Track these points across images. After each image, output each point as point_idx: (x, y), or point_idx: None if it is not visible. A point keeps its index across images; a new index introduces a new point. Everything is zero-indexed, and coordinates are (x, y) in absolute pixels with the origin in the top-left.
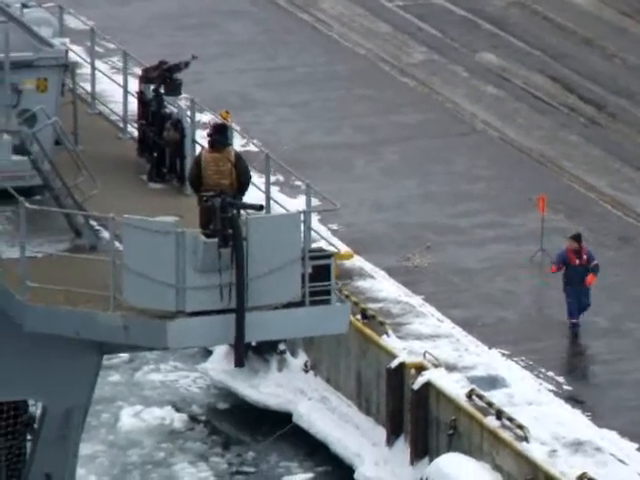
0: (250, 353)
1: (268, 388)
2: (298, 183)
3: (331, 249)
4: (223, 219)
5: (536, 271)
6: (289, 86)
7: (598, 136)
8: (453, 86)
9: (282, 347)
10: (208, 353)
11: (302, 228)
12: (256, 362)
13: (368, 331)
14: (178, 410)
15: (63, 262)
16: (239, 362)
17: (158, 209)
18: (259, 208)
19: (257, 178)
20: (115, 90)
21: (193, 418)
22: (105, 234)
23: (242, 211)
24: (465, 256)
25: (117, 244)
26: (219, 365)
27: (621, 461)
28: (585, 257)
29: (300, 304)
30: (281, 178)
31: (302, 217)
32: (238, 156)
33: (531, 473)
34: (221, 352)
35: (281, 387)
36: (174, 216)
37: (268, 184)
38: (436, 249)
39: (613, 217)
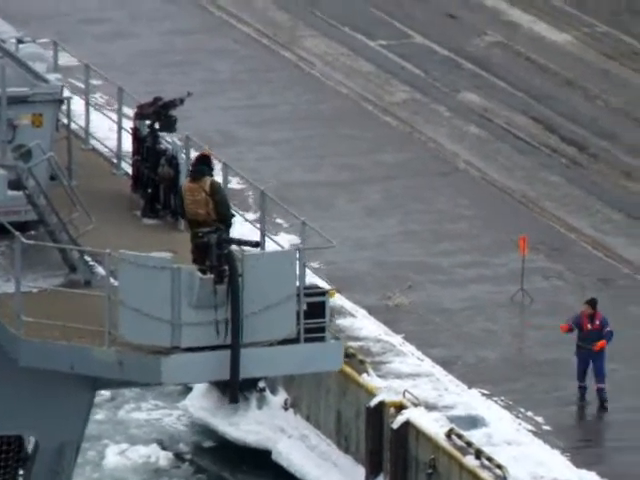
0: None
1: (248, 425)
2: (279, 221)
3: (326, 286)
4: (219, 255)
5: (517, 311)
6: (271, 124)
7: (579, 177)
8: (435, 125)
9: (262, 384)
10: (187, 390)
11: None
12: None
13: (348, 369)
14: (163, 448)
15: (58, 297)
16: (234, 399)
17: (152, 245)
18: (255, 245)
19: (238, 216)
20: (103, 126)
21: (178, 456)
22: (99, 269)
23: (238, 247)
24: (446, 295)
25: (112, 279)
26: (198, 402)
27: None
28: (598, 322)
29: (295, 341)
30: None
31: (297, 254)
32: (214, 186)
33: None
34: (201, 389)
35: (261, 424)
36: (169, 252)
37: (263, 220)
38: (417, 288)
39: (594, 258)
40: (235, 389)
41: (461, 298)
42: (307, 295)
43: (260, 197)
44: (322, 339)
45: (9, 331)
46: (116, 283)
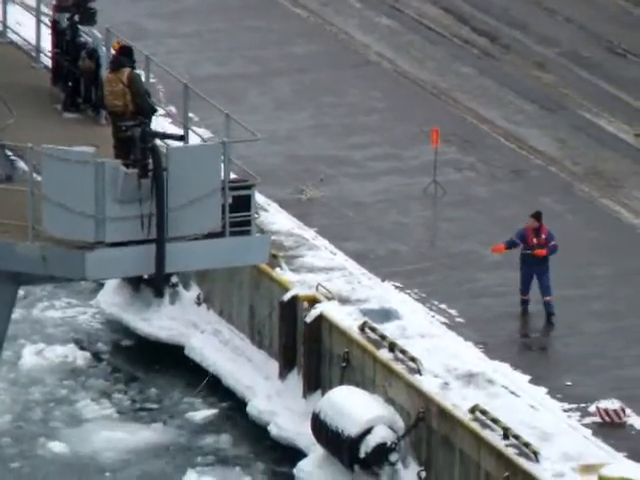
0: (142, 286)
1: (160, 321)
2: (190, 114)
3: (252, 180)
4: (143, 149)
5: (429, 203)
6: (180, 16)
7: (491, 68)
8: (346, 17)
9: (175, 280)
10: (100, 287)
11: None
12: (148, 295)
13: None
14: (80, 347)
15: None
16: (158, 292)
17: (74, 139)
18: (179, 138)
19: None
20: (21, 20)
21: (95, 355)
22: (21, 164)
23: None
24: (358, 189)
25: (34, 174)
26: (110, 298)
27: (513, 393)
28: (544, 237)
29: (220, 235)
30: (173, 109)
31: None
32: (132, 77)
33: (424, 405)
34: (112, 285)
35: (173, 320)
36: (91, 146)
37: (186, 115)
38: (329, 182)
39: (506, 149)
40: (160, 283)
41: (374, 191)
42: (232, 189)
43: (183, 91)
44: (248, 232)
45: None
46: (39, 178)
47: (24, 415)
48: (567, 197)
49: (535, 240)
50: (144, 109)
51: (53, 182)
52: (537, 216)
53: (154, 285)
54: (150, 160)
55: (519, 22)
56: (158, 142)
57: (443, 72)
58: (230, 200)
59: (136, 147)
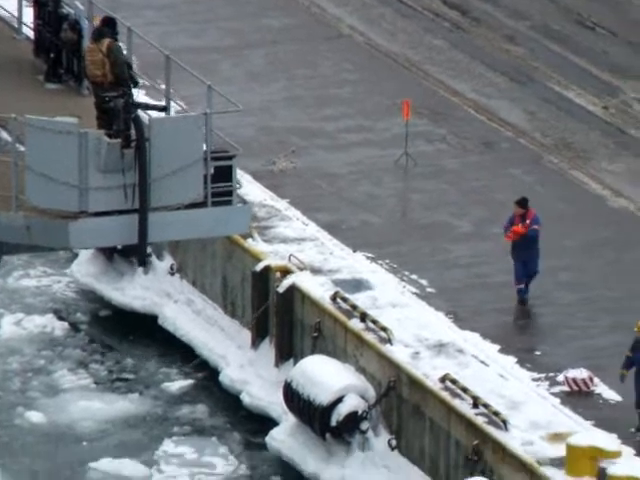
0: (116, 256)
1: (134, 291)
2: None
3: (234, 150)
4: (126, 119)
5: (401, 175)
6: None
7: (462, 41)
8: None
9: (148, 250)
10: (74, 256)
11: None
12: (122, 265)
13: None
14: (58, 317)
15: None
16: (142, 262)
17: (56, 109)
18: (162, 109)
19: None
20: None
21: (72, 325)
22: (3, 135)
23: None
24: (331, 160)
25: (17, 145)
26: (84, 268)
27: (482, 362)
28: (528, 222)
29: (202, 205)
30: (147, 83)
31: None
32: (111, 48)
33: (394, 375)
34: (86, 255)
35: (147, 290)
36: (73, 116)
37: (168, 86)
38: (302, 153)
39: (476, 122)
40: (144, 253)
41: (346, 162)
42: (214, 159)
43: (165, 62)
44: (229, 202)
45: None
46: (22, 148)
47: (2, 385)
48: (537, 169)
49: (521, 225)
50: (123, 79)
51: (36, 152)
52: (520, 203)
53: (138, 254)
54: (133, 130)
55: None
56: (141, 113)
57: (414, 45)
58: (212, 171)
59: (119, 118)
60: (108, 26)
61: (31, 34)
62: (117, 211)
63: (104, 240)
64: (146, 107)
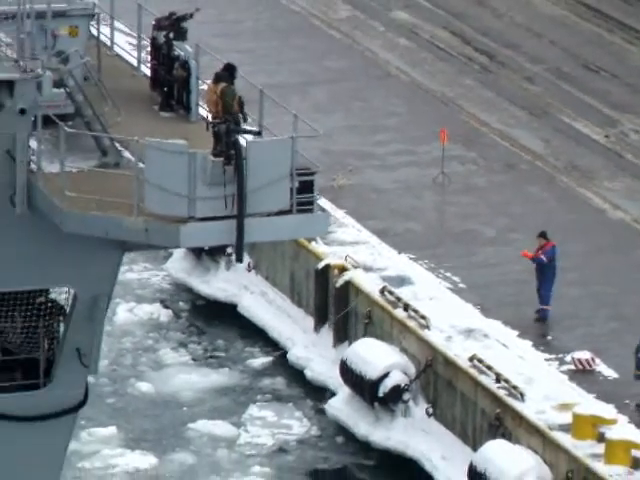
0: (203, 255)
1: (218, 284)
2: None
3: (315, 167)
4: (227, 142)
5: (438, 190)
6: (239, 36)
7: (489, 81)
8: (372, 38)
9: (229, 250)
10: (169, 255)
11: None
12: (208, 262)
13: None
14: (163, 306)
15: (93, 176)
16: (239, 258)
17: (169, 133)
18: (257, 133)
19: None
20: (122, 37)
21: (174, 312)
22: (126, 154)
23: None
24: (380, 178)
25: (138, 162)
26: (178, 265)
27: (504, 345)
28: (540, 251)
29: (289, 212)
30: None
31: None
32: (225, 92)
33: (431, 355)
34: (179, 254)
35: (228, 283)
36: (183, 139)
37: (261, 115)
38: (357, 172)
39: (501, 147)
40: (240, 251)
41: (393, 180)
42: (299, 175)
43: (259, 95)
44: (311, 210)
45: (55, 204)
46: (142, 165)
47: (117, 360)
48: (550, 186)
49: (532, 251)
50: (230, 115)
51: (153, 168)
52: (542, 235)
53: (236, 252)
54: (233, 151)
55: (513, 44)
56: (239, 137)
57: (450, 84)
58: (297, 184)
59: (222, 140)
60: (228, 71)
61: (148, 72)
62: (219, 217)
63: (208, 240)
64: (244, 132)
